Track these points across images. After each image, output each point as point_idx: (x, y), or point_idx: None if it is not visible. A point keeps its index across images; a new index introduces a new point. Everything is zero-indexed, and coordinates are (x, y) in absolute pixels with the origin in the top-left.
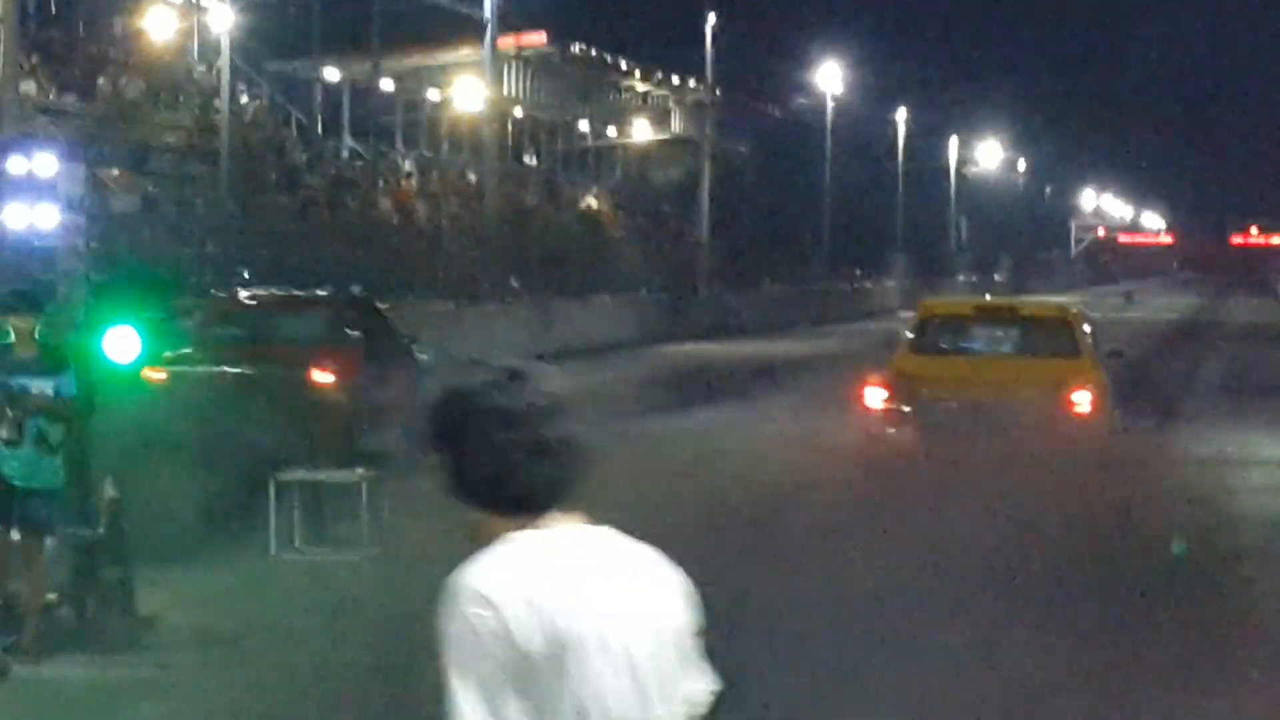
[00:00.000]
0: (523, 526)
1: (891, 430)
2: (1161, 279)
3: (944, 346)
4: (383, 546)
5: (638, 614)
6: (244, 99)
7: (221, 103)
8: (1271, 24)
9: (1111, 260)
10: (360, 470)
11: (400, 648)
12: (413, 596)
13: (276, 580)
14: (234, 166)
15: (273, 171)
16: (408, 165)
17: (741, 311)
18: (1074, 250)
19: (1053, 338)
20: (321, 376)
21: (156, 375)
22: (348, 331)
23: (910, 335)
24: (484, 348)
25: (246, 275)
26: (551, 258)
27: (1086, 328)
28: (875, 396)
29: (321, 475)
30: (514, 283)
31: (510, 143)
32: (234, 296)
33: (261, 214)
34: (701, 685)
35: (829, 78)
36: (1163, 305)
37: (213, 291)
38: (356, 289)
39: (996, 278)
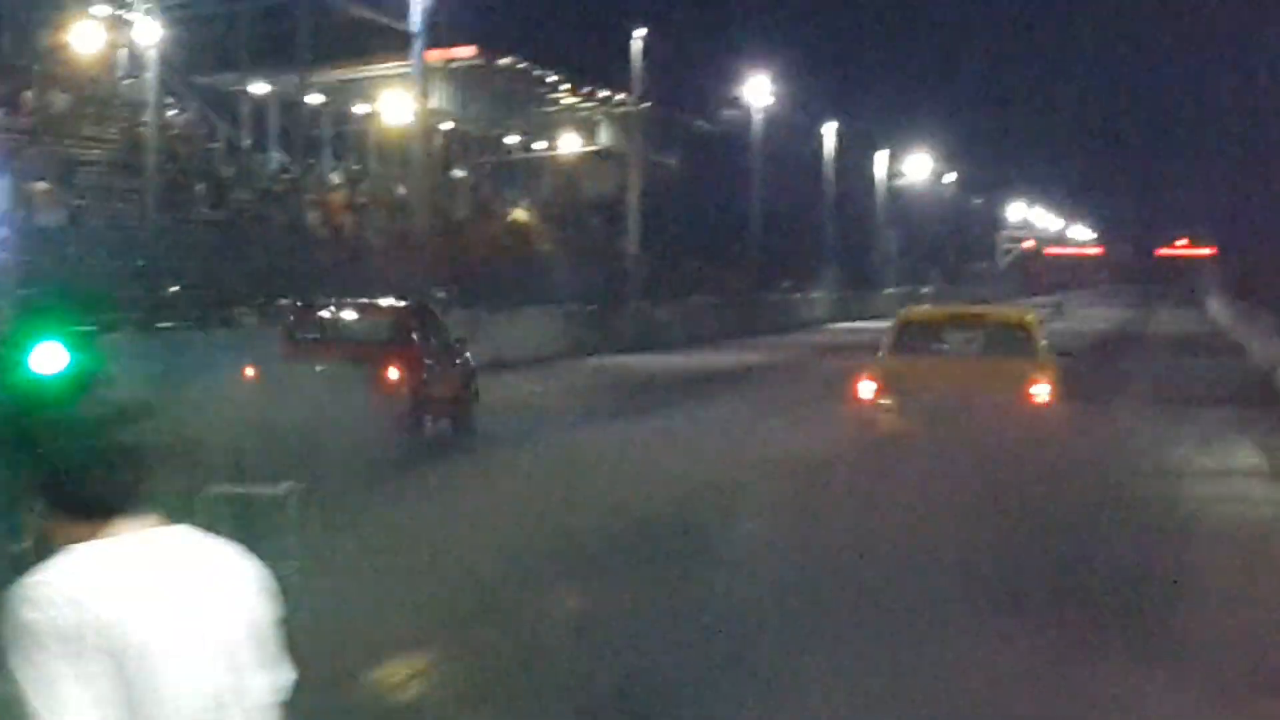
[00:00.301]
0: (91, 532)
1: (880, 418)
2: (1090, 290)
3: (921, 348)
4: (311, 560)
5: (206, 614)
6: (171, 112)
7: (149, 116)
8: (1196, 46)
9: (1040, 271)
10: (288, 483)
11: (329, 662)
12: (341, 610)
13: None
14: (161, 180)
15: (200, 185)
16: (336, 178)
17: (670, 324)
18: (1002, 262)
19: (1014, 339)
20: (392, 372)
21: (251, 373)
22: (412, 335)
23: (892, 338)
24: None
25: (175, 289)
26: (481, 270)
27: (1042, 329)
28: (866, 389)
29: (249, 488)
30: (441, 295)
31: (439, 155)
32: (318, 304)
33: (189, 227)
34: (280, 677)
35: (757, 90)
36: (1091, 316)
37: (297, 302)
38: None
39: (925, 289)
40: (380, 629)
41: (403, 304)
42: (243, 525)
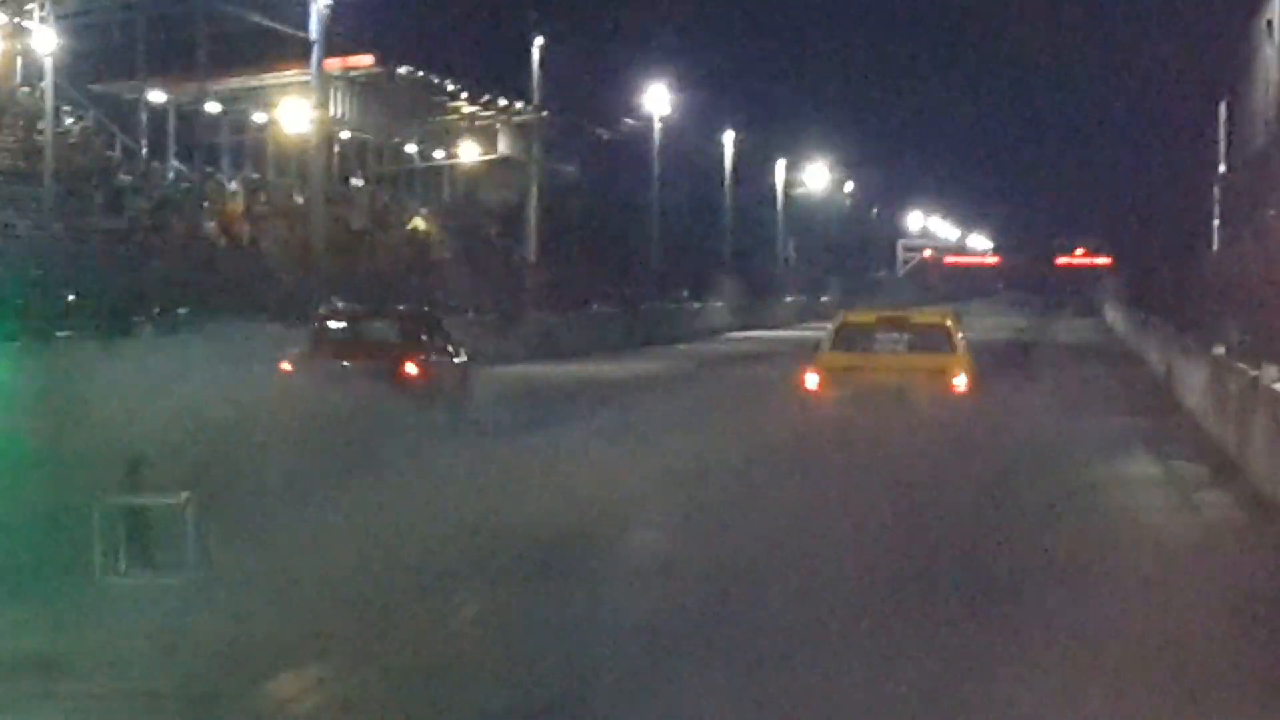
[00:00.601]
0: None
1: (823, 404)
2: (988, 299)
3: (858, 345)
4: (207, 570)
5: None
6: (68, 121)
7: (46, 125)
8: (1089, 57)
9: (937, 279)
10: (185, 493)
11: (225, 672)
12: (237, 620)
13: (100, 605)
14: (58, 189)
15: (98, 194)
16: (233, 187)
17: (568, 333)
18: (901, 270)
19: (936, 338)
20: (409, 368)
21: (287, 368)
22: (423, 336)
23: (832, 337)
24: None
25: (72, 299)
26: (379, 279)
27: (960, 331)
28: (811, 380)
29: (145, 498)
30: (339, 304)
31: (337, 164)
32: (340, 310)
33: (87, 236)
34: None
35: (657, 100)
36: (990, 325)
37: (320, 308)
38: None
39: (824, 298)
40: (275, 640)
41: (415, 310)
42: (140, 534)
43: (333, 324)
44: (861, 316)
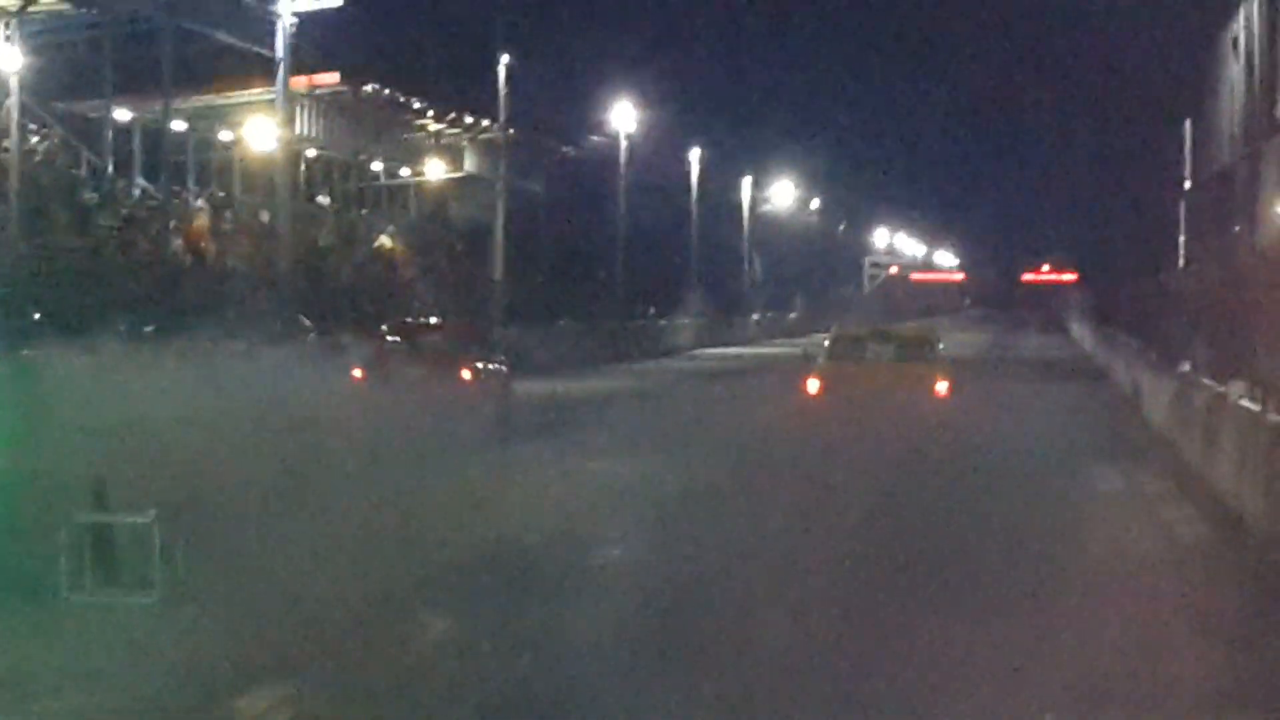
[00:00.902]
0: None
1: (822, 405)
2: (954, 316)
3: (851, 355)
4: (174, 589)
5: None
6: (34, 139)
7: (11, 143)
8: (1055, 73)
9: (902, 296)
10: (153, 512)
11: (189, 691)
12: (202, 639)
13: (65, 622)
14: (24, 207)
15: (64, 212)
16: (199, 204)
17: (538, 349)
18: (867, 287)
19: (920, 348)
20: (465, 374)
21: (358, 375)
22: (473, 346)
23: (828, 348)
24: (278, 387)
25: (38, 316)
26: (346, 297)
27: (940, 343)
28: (812, 385)
29: (113, 516)
30: (305, 322)
31: (303, 182)
32: (399, 323)
33: (53, 254)
34: None
35: (623, 117)
36: (955, 342)
37: (382, 325)
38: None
39: (791, 315)
40: (241, 658)
41: (465, 323)
42: (107, 553)
43: (394, 336)
44: (854, 330)
